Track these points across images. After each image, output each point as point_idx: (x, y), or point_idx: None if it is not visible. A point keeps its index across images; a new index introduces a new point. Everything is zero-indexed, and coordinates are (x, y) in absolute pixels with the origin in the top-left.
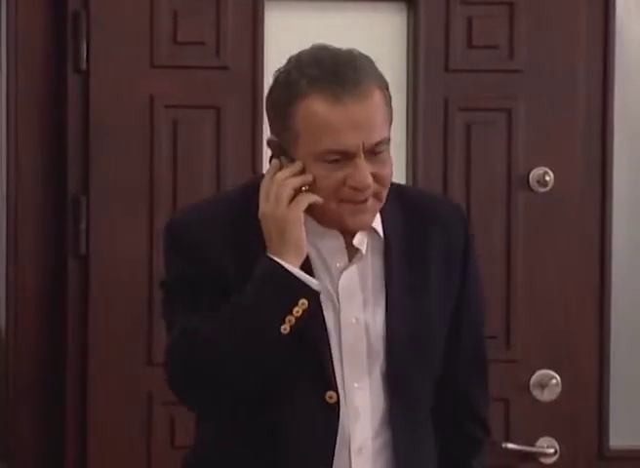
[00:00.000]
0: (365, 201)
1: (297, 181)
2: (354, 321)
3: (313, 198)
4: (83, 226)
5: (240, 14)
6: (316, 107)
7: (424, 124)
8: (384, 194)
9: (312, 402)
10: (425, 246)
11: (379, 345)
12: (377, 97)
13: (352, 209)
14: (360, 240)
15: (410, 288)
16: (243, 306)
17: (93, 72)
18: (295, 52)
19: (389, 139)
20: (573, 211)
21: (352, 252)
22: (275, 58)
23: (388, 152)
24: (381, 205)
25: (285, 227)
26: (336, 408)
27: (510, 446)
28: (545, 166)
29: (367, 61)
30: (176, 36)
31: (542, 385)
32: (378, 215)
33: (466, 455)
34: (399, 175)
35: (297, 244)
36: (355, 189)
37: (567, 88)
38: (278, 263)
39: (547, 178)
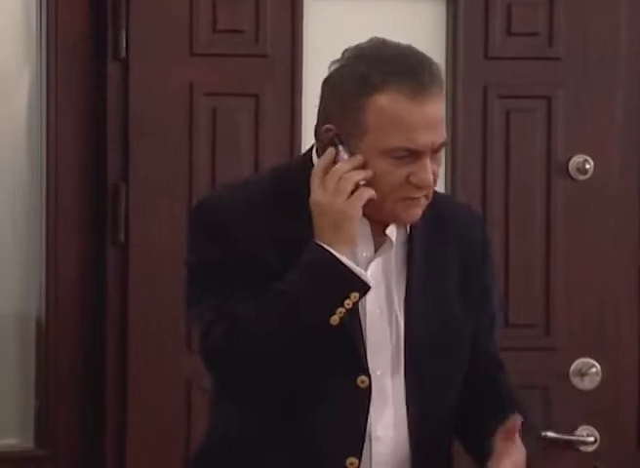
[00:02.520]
0: (419, 198)
1: (359, 176)
2: (378, 311)
3: (372, 193)
4: (122, 214)
5: (279, 1)
6: (392, 103)
7: (464, 111)
8: (432, 191)
9: (344, 387)
10: (445, 241)
11: (400, 336)
12: (442, 97)
13: (408, 204)
14: (391, 230)
15: (430, 278)
16: (292, 295)
17: (132, 60)
18: (333, 39)
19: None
20: (612, 198)
21: (378, 242)
22: (314, 45)
23: (443, 152)
24: (429, 201)
25: (342, 220)
26: (367, 392)
27: (550, 434)
28: (585, 154)
29: (429, 59)
30: (215, 24)
31: (582, 374)
32: None
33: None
34: None
35: (351, 237)
36: (418, 187)
37: (607, 75)
38: (331, 254)
39: (587, 166)
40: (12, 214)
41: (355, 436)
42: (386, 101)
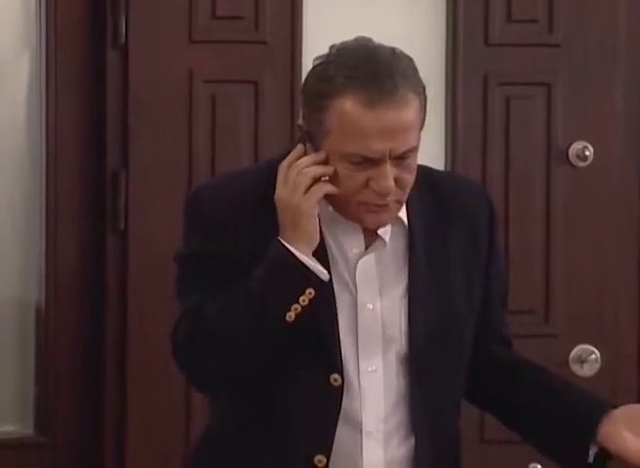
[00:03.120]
0: (385, 205)
1: (317, 171)
2: (370, 306)
3: (330, 188)
4: (122, 201)
5: None
6: (349, 109)
7: (464, 98)
8: (405, 197)
9: (317, 384)
10: (447, 221)
11: (394, 331)
12: (412, 104)
13: (372, 209)
14: (383, 228)
15: (433, 272)
16: (250, 290)
17: (131, 47)
18: (333, 26)
19: (417, 148)
20: (612, 185)
21: (370, 237)
22: (314, 32)
23: (415, 158)
24: (401, 207)
25: (299, 215)
26: (340, 391)
27: None
28: (585, 140)
29: (407, 64)
30: (214, 10)
31: (582, 360)
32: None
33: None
34: (439, 150)
35: (308, 233)
36: (378, 194)
37: (607, 62)
38: (288, 250)
39: (587, 153)
40: (11, 202)
41: (324, 434)
42: (345, 107)
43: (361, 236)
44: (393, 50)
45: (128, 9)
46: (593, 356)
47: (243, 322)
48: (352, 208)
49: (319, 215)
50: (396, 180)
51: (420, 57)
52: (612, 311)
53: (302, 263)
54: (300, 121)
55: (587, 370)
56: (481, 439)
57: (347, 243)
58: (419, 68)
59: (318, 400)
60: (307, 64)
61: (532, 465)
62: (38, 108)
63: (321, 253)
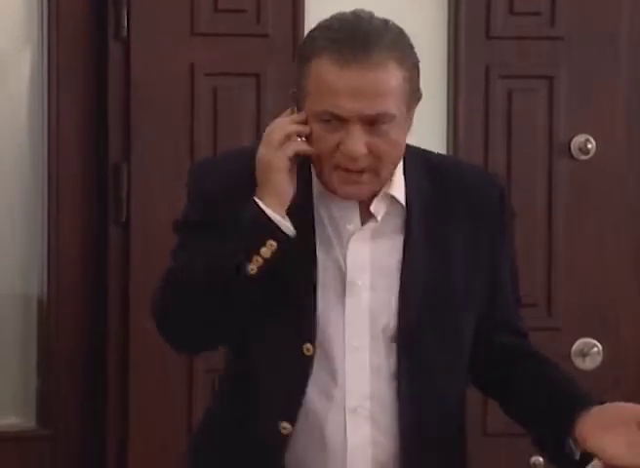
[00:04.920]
0: (359, 172)
1: (291, 128)
2: (359, 283)
3: (303, 147)
4: (124, 194)
5: None
6: (323, 68)
7: (466, 91)
8: (383, 170)
9: (289, 352)
10: (451, 214)
11: (383, 310)
12: (391, 71)
13: (345, 177)
14: (377, 206)
15: (429, 254)
16: (217, 244)
17: (133, 40)
18: None
19: (395, 117)
20: (614, 178)
21: (366, 215)
22: (315, 24)
23: (398, 130)
24: (381, 181)
25: (269, 170)
26: (310, 360)
27: None
28: (587, 133)
29: (393, 34)
30: (216, 4)
31: (584, 354)
32: (400, 182)
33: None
34: (440, 143)
35: (277, 189)
36: (347, 157)
37: (609, 54)
38: (257, 204)
39: (589, 146)
40: (13, 196)
41: (291, 401)
42: (319, 66)
43: (357, 212)
44: (386, 21)
45: (130, 2)
46: (595, 349)
47: (205, 271)
48: (327, 173)
49: (314, 187)
50: (370, 148)
51: (422, 49)
52: (614, 304)
53: (267, 216)
54: (292, 89)
55: (589, 364)
56: (483, 432)
57: (342, 218)
58: (421, 61)
59: (289, 367)
60: None
61: (534, 458)
62: (40, 102)
63: (306, 223)
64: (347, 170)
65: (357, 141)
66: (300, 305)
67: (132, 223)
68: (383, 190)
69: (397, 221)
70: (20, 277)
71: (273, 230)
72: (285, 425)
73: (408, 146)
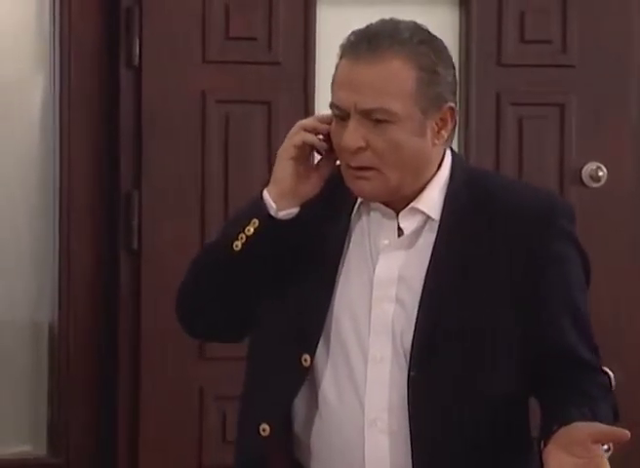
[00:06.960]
0: (360, 169)
1: (306, 122)
2: (386, 295)
3: (310, 138)
4: (135, 221)
5: (292, 9)
6: (339, 67)
7: (477, 118)
8: (387, 170)
9: (289, 361)
10: (487, 237)
11: (405, 325)
12: (395, 67)
13: (352, 173)
14: (405, 220)
15: (454, 275)
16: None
17: (145, 68)
18: None
19: (397, 115)
20: (625, 206)
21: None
22: (326, 53)
23: (400, 130)
24: (390, 182)
25: (277, 160)
26: (305, 371)
27: None
28: (598, 161)
29: (409, 37)
30: (228, 31)
31: None
32: (432, 197)
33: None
34: None
35: (276, 176)
36: (343, 149)
37: (620, 82)
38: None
39: (600, 174)
40: (25, 222)
41: (277, 406)
42: (339, 66)
43: (393, 228)
44: (407, 22)
45: (141, 30)
46: None
47: (206, 248)
48: (343, 170)
49: (362, 201)
50: (369, 144)
51: None
52: (622, 334)
53: (262, 197)
54: None
55: None
56: None
57: (376, 233)
58: None
59: (285, 375)
60: (320, 85)
61: None
62: (52, 129)
63: (339, 232)
64: (349, 165)
65: (351, 133)
66: (311, 316)
67: (143, 251)
68: (411, 204)
69: (431, 237)
70: (31, 305)
71: (260, 209)
72: (264, 426)
73: (456, 162)
